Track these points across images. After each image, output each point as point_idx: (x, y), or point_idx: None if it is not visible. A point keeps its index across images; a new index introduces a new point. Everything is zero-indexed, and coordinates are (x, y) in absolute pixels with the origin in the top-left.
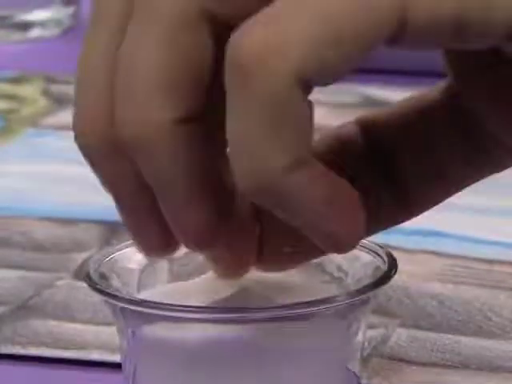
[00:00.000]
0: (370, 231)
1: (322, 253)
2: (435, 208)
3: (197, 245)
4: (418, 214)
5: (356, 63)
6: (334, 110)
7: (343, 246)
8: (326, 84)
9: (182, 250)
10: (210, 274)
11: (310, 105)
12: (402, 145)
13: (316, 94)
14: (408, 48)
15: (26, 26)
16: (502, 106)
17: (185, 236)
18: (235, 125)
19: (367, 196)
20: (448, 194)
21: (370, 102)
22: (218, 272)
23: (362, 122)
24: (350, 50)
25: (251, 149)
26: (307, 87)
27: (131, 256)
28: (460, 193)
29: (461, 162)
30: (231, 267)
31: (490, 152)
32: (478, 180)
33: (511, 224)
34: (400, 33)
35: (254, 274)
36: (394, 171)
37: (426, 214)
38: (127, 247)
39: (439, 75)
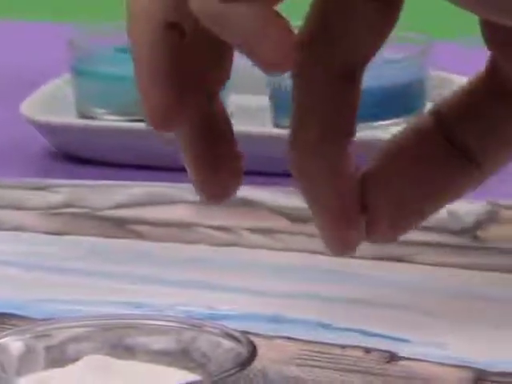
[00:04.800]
0: (453, 200)
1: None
2: (276, 295)
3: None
4: (488, 177)
5: None
6: None
7: (275, 66)
8: None
9: (58, 338)
10: (82, 362)
11: None
12: (466, 121)
13: None
14: None
15: None
16: None
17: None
18: None
19: (444, 174)
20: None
21: None
22: (202, 196)
23: (434, 111)
24: None
25: None
26: None
27: (10, 343)
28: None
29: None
30: (215, 191)
31: None
32: None
33: (356, 311)
34: None
35: (127, 363)
36: (463, 144)
37: (275, 301)
38: (7, 335)
39: None
